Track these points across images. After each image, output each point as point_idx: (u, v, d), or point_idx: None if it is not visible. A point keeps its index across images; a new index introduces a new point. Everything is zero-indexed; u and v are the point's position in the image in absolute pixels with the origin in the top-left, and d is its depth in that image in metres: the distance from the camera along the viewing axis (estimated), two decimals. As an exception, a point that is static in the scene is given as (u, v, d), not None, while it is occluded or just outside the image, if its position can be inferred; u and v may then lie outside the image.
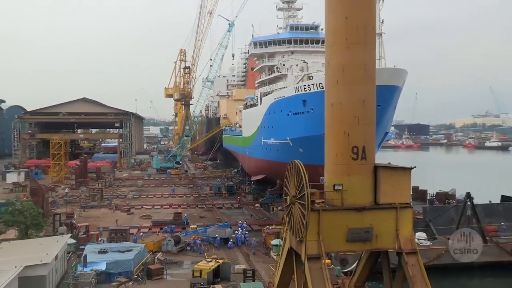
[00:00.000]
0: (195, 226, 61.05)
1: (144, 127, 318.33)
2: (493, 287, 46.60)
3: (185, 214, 68.60)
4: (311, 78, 69.64)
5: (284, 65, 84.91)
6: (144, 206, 79.55)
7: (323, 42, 79.53)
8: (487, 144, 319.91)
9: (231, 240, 54.30)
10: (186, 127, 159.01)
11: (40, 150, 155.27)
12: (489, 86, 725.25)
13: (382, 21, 62.38)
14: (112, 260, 42.23)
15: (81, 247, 49.18)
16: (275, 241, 48.53)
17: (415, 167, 28.48)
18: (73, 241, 49.85)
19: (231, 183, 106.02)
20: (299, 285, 28.33)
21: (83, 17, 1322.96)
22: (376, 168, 27.88)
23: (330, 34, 28.47)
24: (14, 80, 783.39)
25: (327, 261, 36.35)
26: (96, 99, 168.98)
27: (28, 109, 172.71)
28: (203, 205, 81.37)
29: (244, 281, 38.99)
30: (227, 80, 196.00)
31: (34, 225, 51.95)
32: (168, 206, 79.33)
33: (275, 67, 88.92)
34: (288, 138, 69.61)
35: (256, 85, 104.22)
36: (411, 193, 47.33)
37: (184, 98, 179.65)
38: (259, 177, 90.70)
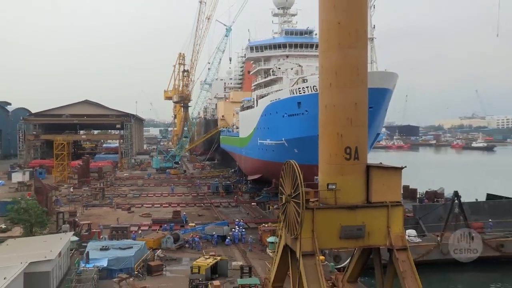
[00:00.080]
0: (193, 224, 60.94)
1: (144, 128, 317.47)
2: (479, 280, 46.84)
3: (184, 213, 68.43)
4: (305, 81, 69.69)
5: (279, 68, 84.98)
6: (144, 205, 79.26)
7: (317, 46, 79.64)
8: (474, 144, 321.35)
9: (229, 237, 54.17)
10: (185, 128, 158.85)
11: (44, 150, 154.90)
12: (475, 90, 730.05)
13: (374, 27, 62.56)
14: (113, 257, 42.11)
15: (83, 244, 49.01)
16: (270, 239, 48.51)
17: (405, 166, 28.50)
18: (75, 238, 49.67)
19: (228, 182, 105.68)
20: (294, 280, 28.30)
21: (83, 21, 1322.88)
22: (368, 167, 27.90)
23: (324, 39, 28.48)
24: (15, 82, 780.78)
25: (321, 257, 36.28)
26: (98, 101, 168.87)
27: (33, 111, 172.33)
28: (201, 204, 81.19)
29: (241, 277, 38.92)
30: (225, 83, 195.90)
31: (38, 223, 51.76)
32: (167, 205, 79.05)
33: (271, 70, 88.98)
34: (283, 139, 69.62)
35: (253, 87, 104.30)
36: (402, 192, 47.40)
37: (183, 100, 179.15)
38: (256, 176, 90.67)
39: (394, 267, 27.69)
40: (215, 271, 41.73)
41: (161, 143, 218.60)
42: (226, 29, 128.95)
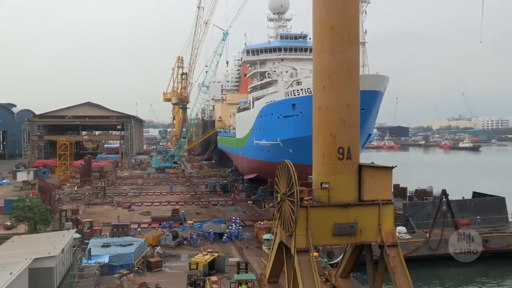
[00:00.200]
0: (191, 221, 60.79)
1: (144, 129, 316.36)
2: (465, 274, 47.02)
3: (182, 211, 68.25)
4: (300, 83, 69.64)
5: (274, 71, 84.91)
6: (144, 203, 79.02)
7: (311, 50, 79.72)
8: (461, 145, 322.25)
9: (226, 234, 54.06)
10: (183, 129, 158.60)
11: (47, 150, 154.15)
12: (462, 92, 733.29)
13: (365, 31, 62.55)
14: (114, 253, 42.03)
15: (85, 241, 48.80)
16: (266, 236, 48.49)
17: (396, 166, 28.58)
18: (78, 235, 49.38)
19: (225, 181, 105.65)
20: (289, 276, 28.28)
21: (83, 25, 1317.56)
22: (360, 167, 27.94)
23: (317, 43, 28.49)
24: (16, 84, 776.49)
25: (315, 254, 36.27)
26: (99, 103, 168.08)
27: (37, 113, 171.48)
28: (199, 202, 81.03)
29: (238, 273, 38.79)
30: (222, 85, 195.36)
31: (42, 221, 51.64)
32: (166, 203, 78.86)
33: (267, 73, 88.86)
34: (278, 139, 69.51)
35: (249, 90, 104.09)
36: (392, 190, 47.41)
37: (182, 102, 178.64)
38: (252, 176, 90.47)
39: (385, 263, 27.73)
40: (213, 267, 41.71)
41: (160, 144, 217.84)
42: (223, 33, 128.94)
